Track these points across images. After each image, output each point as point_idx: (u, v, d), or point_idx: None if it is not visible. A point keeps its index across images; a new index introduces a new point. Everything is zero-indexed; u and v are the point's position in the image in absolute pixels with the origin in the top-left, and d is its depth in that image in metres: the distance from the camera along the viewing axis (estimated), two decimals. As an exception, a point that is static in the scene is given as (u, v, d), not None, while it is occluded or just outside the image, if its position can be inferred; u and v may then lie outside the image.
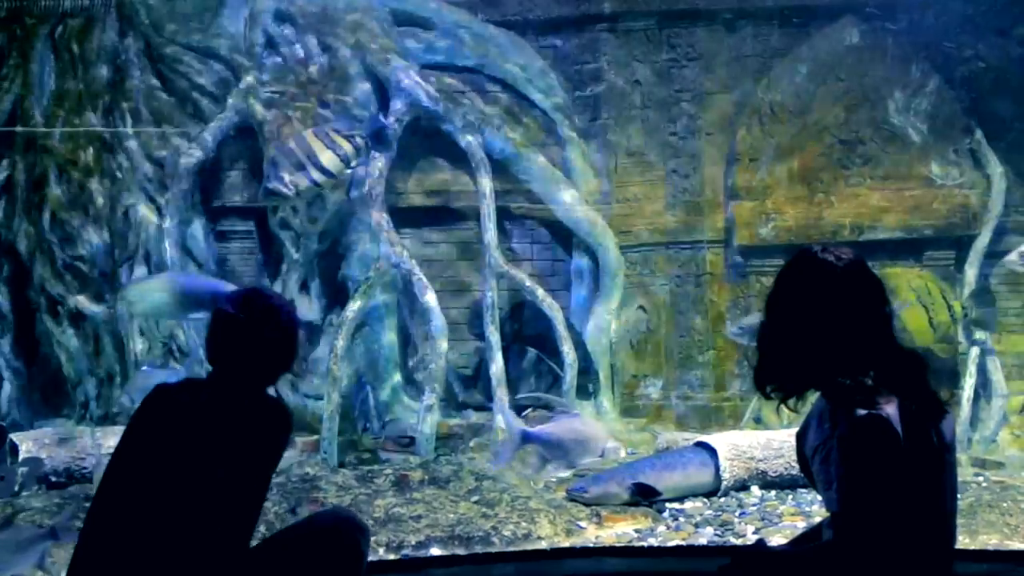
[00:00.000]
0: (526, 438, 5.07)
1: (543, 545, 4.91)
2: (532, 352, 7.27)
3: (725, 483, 5.74)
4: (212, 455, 2.71)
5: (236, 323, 2.86)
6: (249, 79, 7.15)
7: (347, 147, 6.01)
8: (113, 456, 2.82)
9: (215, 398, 2.81)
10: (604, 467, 5.92)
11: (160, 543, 2.66)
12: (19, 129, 7.05)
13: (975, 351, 6.92)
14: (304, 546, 2.89)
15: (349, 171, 6.18)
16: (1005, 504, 5.26)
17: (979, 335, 6.93)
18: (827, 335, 2.49)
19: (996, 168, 7.24)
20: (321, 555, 2.87)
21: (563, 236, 7.53)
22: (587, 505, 5.42)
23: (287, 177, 5.93)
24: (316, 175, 5.95)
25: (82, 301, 7.01)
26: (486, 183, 7.17)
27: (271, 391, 2.91)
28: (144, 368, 5.78)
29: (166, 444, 2.74)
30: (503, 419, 5.54)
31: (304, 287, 7.17)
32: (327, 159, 5.97)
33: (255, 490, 2.81)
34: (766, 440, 5.95)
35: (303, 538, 2.94)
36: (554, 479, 5.53)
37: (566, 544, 4.96)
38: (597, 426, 5.50)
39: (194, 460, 2.71)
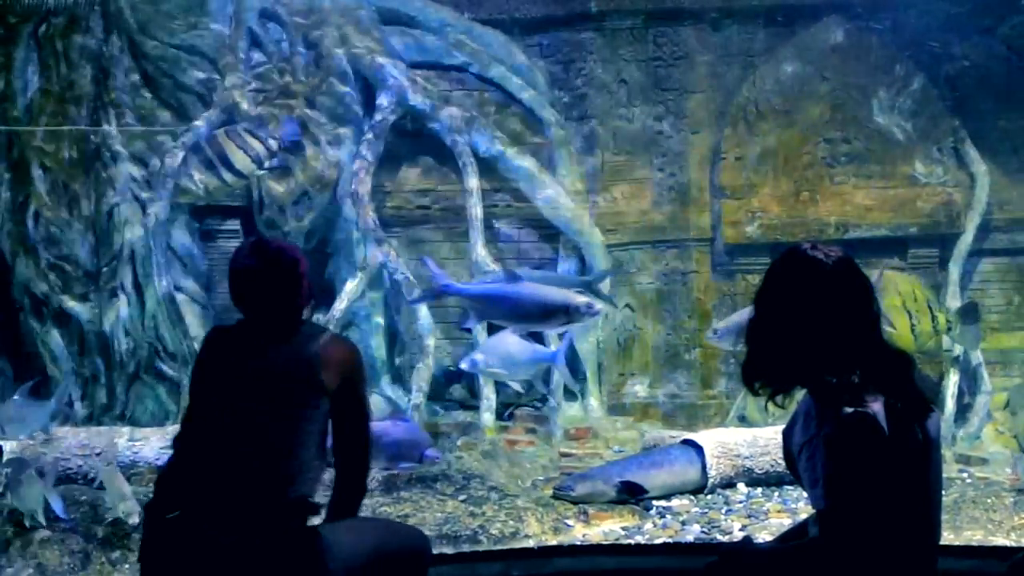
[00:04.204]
0: None
1: (530, 543, 4.91)
2: (515, 350, 7.26)
3: (712, 480, 5.76)
4: (291, 389, 2.96)
5: (250, 271, 3.06)
6: (234, 78, 7.12)
7: (259, 148, 5.99)
8: (196, 389, 3.11)
9: (260, 336, 3.06)
10: (591, 466, 5.94)
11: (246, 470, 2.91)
12: (2, 128, 7.00)
13: (959, 348, 6.96)
14: (384, 541, 3.13)
15: (261, 172, 6.16)
16: (989, 500, 5.30)
17: (958, 350, 6.96)
18: (815, 332, 2.51)
19: (980, 166, 7.29)
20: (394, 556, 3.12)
21: (550, 235, 7.53)
22: (574, 503, 5.43)
23: (196, 175, 5.94)
24: (226, 175, 5.94)
25: (66, 301, 6.97)
26: (473, 182, 7.17)
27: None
28: (15, 397, 5.74)
29: (249, 379, 3.00)
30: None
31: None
32: (239, 159, 5.96)
33: (325, 417, 3.00)
34: (752, 437, 5.97)
35: (384, 534, 3.21)
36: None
37: (553, 542, 4.97)
38: (421, 432, 5.52)
39: (277, 394, 2.96)
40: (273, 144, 6.07)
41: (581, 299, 5.07)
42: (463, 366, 5.91)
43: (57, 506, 4.76)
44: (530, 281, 5.44)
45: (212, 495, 2.89)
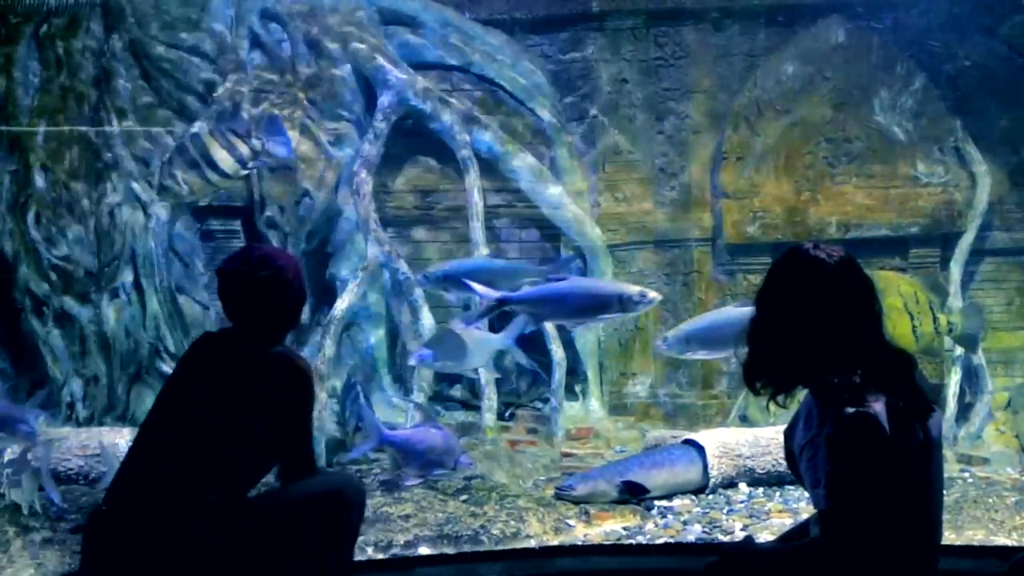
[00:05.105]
0: (383, 440, 5.22)
1: (532, 544, 4.91)
2: (513, 349, 7.27)
3: (713, 480, 5.76)
4: (229, 402, 2.95)
5: (237, 278, 3.03)
6: (235, 78, 7.12)
7: (243, 147, 5.96)
8: (160, 393, 3.13)
9: (234, 349, 3.03)
10: (592, 466, 5.93)
11: (185, 474, 2.91)
12: (3, 128, 7.00)
13: (960, 348, 6.96)
14: (309, 495, 3.09)
15: (245, 171, 6.15)
16: (990, 500, 5.30)
17: (959, 350, 6.94)
18: (816, 332, 2.51)
19: (981, 166, 7.28)
20: (324, 506, 3.07)
21: (551, 235, 7.53)
22: (575, 503, 5.43)
23: (180, 175, 5.92)
24: (210, 175, 5.91)
25: (67, 301, 6.97)
26: (474, 182, 7.17)
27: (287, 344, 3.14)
28: None
29: (198, 387, 3.00)
30: (366, 417, 5.61)
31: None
32: (222, 159, 5.93)
33: (264, 434, 2.97)
34: (754, 437, 5.97)
35: (309, 490, 3.14)
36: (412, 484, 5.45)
37: (555, 542, 4.97)
38: (453, 439, 5.53)
39: (216, 404, 2.96)
40: (257, 144, 6.05)
41: (634, 288, 5.10)
42: (412, 362, 5.93)
43: (53, 494, 4.88)
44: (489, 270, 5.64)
45: (150, 494, 2.90)
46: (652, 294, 5.07)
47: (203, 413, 2.94)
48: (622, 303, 5.01)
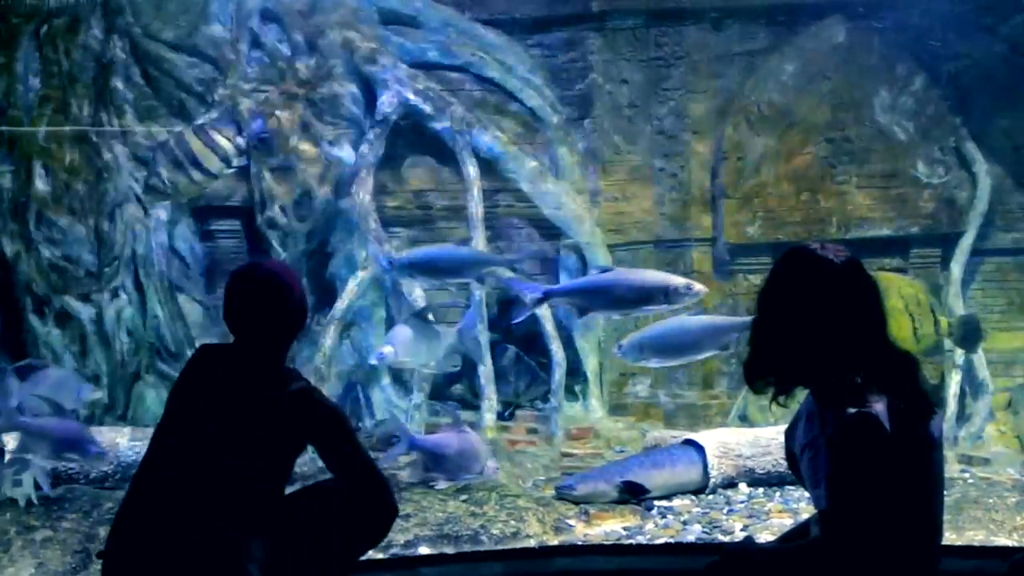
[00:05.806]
0: (412, 444, 5.24)
1: (532, 543, 4.91)
2: (512, 349, 7.28)
3: (713, 480, 5.76)
4: (231, 419, 2.92)
5: (235, 291, 3.04)
6: (235, 78, 7.12)
7: (227, 146, 5.96)
8: (165, 410, 3.07)
9: (236, 365, 3.01)
10: (592, 466, 5.93)
11: (195, 495, 2.87)
12: (4, 128, 7.00)
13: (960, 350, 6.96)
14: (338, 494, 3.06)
15: (229, 170, 6.14)
16: (991, 500, 5.30)
17: (960, 354, 6.94)
18: (820, 333, 2.50)
19: (982, 165, 7.29)
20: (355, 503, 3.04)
21: (551, 235, 7.53)
22: (575, 503, 5.43)
23: (165, 175, 5.92)
24: (195, 174, 5.91)
25: (68, 301, 6.97)
26: (473, 182, 7.17)
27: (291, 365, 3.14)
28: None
29: (200, 403, 2.97)
30: (396, 425, 5.60)
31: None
32: (206, 158, 5.93)
33: (268, 457, 2.94)
34: (754, 437, 5.97)
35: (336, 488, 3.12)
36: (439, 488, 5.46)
37: (555, 542, 4.97)
38: (481, 444, 5.54)
39: (218, 421, 2.93)
40: (242, 142, 6.04)
41: (680, 280, 5.07)
42: (373, 361, 5.94)
43: (43, 481, 4.97)
44: (468, 257, 5.72)
45: (158, 521, 2.86)
46: (698, 287, 5.03)
47: (214, 438, 2.91)
48: (667, 295, 4.97)
